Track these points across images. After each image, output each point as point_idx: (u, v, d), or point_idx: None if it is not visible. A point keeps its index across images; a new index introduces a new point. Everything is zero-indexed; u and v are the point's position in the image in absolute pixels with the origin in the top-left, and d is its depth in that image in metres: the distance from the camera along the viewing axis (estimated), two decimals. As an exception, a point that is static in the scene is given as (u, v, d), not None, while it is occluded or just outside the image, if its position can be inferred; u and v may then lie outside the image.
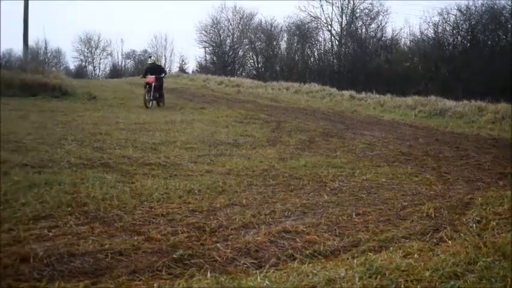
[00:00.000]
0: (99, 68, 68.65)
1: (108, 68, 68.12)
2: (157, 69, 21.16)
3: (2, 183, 6.36)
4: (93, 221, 5.12)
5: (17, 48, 42.42)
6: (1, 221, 4.90)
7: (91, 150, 9.42)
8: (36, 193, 6.00)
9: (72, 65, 67.78)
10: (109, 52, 68.34)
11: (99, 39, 67.70)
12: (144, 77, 20.81)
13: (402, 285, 3.65)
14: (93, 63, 68.48)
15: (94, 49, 68.09)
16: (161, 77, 20.73)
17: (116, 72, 61.57)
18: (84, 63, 68.34)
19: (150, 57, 22.60)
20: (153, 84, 19.95)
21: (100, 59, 68.58)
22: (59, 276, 3.78)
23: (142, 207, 5.82)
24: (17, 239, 4.46)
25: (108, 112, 16.73)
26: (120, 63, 67.96)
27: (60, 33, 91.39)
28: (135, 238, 4.72)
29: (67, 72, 47.24)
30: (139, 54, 66.57)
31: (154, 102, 20.34)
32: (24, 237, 4.50)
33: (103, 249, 4.36)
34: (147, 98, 19.78)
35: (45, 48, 60.38)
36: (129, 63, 67.95)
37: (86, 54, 68.04)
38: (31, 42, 31.54)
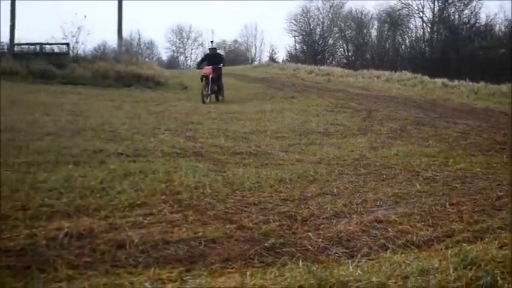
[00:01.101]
0: (191, 58, 69.90)
1: (199, 58, 69.17)
2: (215, 58, 18.58)
3: (99, 171, 6.56)
4: (187, 209, 5.18)
5: (112, 41, 43.73)
6: (98, 208, 5.06)
7: (183, 139, 9.57)
8: (131, 181, 6.14)
9: (164, 55, 69.37)
10: (200, 42, 69.39)
11: (190, 30, 68.91)
12: (200, 68, 18.73)
13: (498, 277, 3.47)
14: (184, 53, 69.87)
15: (186, 40, 69.39)
16: (219, 67, 18.17)
17: (205, 62, 62.36)
18: (176, 54, 69.83)
19: (211, 41, 20.10)
20: (210, 76, 17.49)
21: (191, 50, 69.83)
22: (153, 262, 3.84)
23: (235, 195, 5.84)
24: (113, 226, 4.57)
25: (200, 102, 16.97)
26: (210, 53, 68.79)
27: (153, 24, 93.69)
28: (228, 226, 4.74)
29: (159, 63, 48.29)
30: (230, 44, 67.24)
31: (213, 96, 18.15)
32: (120, 225, 4.61)
33: (196, 236, 4.40)
34: (204, 92, 17.25)
35: (139, 39, 62.13)
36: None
37: (177, 45, 69.50)
38: (125, 34, 32.37)
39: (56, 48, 25.24)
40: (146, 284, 3.37)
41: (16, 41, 24.46)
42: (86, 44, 27.63)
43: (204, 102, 16.76)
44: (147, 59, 45.90)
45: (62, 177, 6.12)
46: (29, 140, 8.52)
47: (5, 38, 24.45)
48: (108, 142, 8.86)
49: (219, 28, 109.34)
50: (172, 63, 63.14)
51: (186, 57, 69.90)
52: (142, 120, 12.09)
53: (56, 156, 7.44)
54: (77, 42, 24.52)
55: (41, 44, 24.32)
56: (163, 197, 5.56)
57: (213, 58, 18.42)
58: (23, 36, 27.64)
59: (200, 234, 4.46)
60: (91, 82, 20.58)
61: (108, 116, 12.27)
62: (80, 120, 11.20)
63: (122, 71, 22.34)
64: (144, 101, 17.07)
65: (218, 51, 19.75)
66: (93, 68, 21.75)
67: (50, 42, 25.18)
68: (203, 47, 68.75)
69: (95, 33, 41.20)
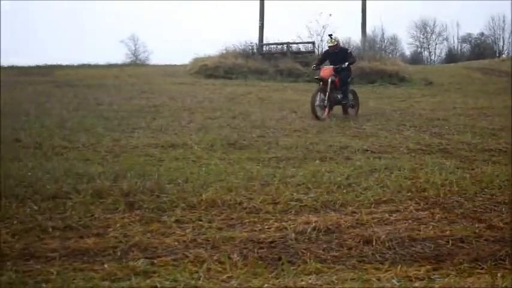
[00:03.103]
0: (435, 53, 67.83)
1: (443, 53, 66.86)
2: (338, 56, 12.82)
3: (345, 167, 6.69)
4: (433, 207, 5.05)
5: (356, 37, 44.18)
6: (345, 203, 5.16)
7: (429, 135, 9.37)
8: (376, 178, 6.16)
9: (407, 51, 68.20)
10: (444, 37, 66.99)
11: (434, 24, 66.84)
12: (317, 68, 13.05)
13: None
14: (428, 48, 67.98)
15: (429, 34, 67.48)
16: (344, 68, 12.58)
17: (451, 57, 60.02)
18: (419, 49, 68.27)
19: (330, 35, 13.33)
20: (329, 80, 12.25)
21: (435, 44, 67.74)
22: (400, 259, 3.81)
23: (483, 194, 5.55)
24: (360, 222, 4.62)
25: (445, 97, 16.42)
26: (455, 47, 66.12)
27: (396, 20, 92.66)
28: (477, 225, 4.53)
29: (403, 58, 47.66)
30: (476, 38, 63.91)
31: (327, 109, 12.30)
32: (366, 221, 4.65)
33: (444, 235, 4.27)
34: (317, 102, 12.07)
35: (382, 35, 61.84)
36: (465, 47, 65.66)
37: (421, 40, 67.86)
38: (368, 31, 32.52)
39: (301, 47, 26.17)
40: (393, 280, 3.36)
41: (264, 41, 25.80)
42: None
43: (317, 116, 11.74)
44: (390, 55, 45.65)
45: (309, 172, 6.35)
46: (278, 136, 9.01)
47: (254, 38, 25.92)
48: (353, 138, 9.00)
49: (464, 21, 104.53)
50: (415, 59, 61.83)
51: (430, 52, 67.96)
52: (386, 116, 12.07)
53: (303, 152, 7.76)
54: (321, 40, 25.19)
55: (287, 44, 25.42)
56: (409, 194, 5.49)
57: (335, 56, 12.92)
58: (270, 36, 29.03)
59: (447, 232, 4.32)
60: (335, 79, 21.04)
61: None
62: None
63: (365, 67, 22.46)
64: (388, 97, 17.02)
65: (342, 46, 14.36)
66: (337, 66, 22.18)
67: (296, 41, 26.16)
68: (447, 41, 66.35)
69: (339, 30, 42.02)
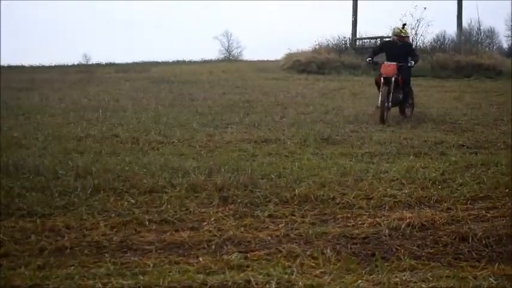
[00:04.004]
0: (533, 45, 64.75)
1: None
2: (401, 50, 10.84)
3: (440, 162, 6.58)
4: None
5: (451, 30, 42.89)
6: (441, 200, 5.09)
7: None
8: (472, 173, 6.03)
9: (505, 43, 65.47)
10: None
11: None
12: (373, 62, 11.21)
13: None
14: (528, 39, 65.02)
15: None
16: (409, 66, 10.73)
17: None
18: (517, 42, 65.43)
19: (404, 25, 11.74)
20: (392, 78, 10.48)
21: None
22: (497, 258, 3.74)
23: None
24: (456, 218, 4.56)
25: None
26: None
27: (493, 11, 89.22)
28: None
29: (500, 51, 45.84)
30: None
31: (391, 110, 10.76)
32: (462, 217, 4.57)
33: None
34: (385, 104, 10.37)
35: (478, 28, 59.71)
36: None
37: (519, 31, 65.00)
38: (464, 23, 31.47)
39: (395, 41, 25.55)
40: (490, 278, 3.31)
41: (357, 35, 25.51)
42: (425, 36, 27.36)
43: (382, 120, 10.20)
44: (487, 48, 44.01)
45: (403, 167, 6.29)
46: (371, 131, 8.95)
47: (347, 33, 25.65)
48: (449, 133, 8.82)
49: None
50: (514, 51, 59.29)
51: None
52: (483, 110, 11.72)
53: (397, 147, 7.68)
54: (416, 34, 24.64)
55: (381, 38, 25.02)
56: (507, 190, 5.34)
57: (397, 50, 10.86)
58: (363, 30, 28.53)
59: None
60: (430, 73, 20.51)
61: (448, 107, 12.18)
62: (420, 112, 11.33)
63: (461, 61, 21.80)
64: (485, 91, 16.45)
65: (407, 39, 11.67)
66: (432, 59, 21.66)
67: (389, 35, 25.65)
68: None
69: (434, 24, 40.85)
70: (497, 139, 8.25)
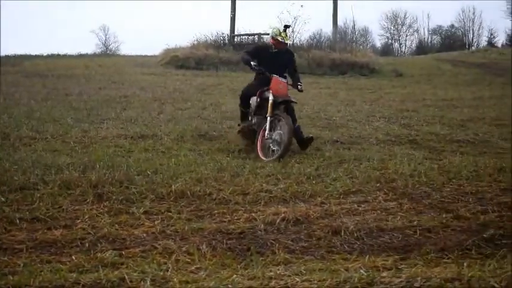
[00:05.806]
0: (405, 45, 68.18)
1: (414, 45, 67.30)
2: (281, 59, 7.93)
3: (315, 158, 6.72)
4: (401, 197, 5.10)
5: (327, 29, 44.20)
6: (315, 194, 5.18)
7: (398, 126, 9.44)
8: (345, 168, 6.20)
9: (378, 42, 68.45)
10: (415, 29, 67.41)
11: (405, 16, 67.16)
12: (260, 70, 7.72)
13: None
14: (399, 40, 68.34)
15: (400, 26, 67.84)
16: (299, 90, 7.93)
17: (422, 49, 60.39)
18: (390, 41, 68.61)
19: (287, 27, 8.06)
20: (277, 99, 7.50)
21: (406, 36, 68.12)
22: (368, 250, 3.84)
23: (451, 184, 5.62)
24: (329, 212, 4.64)
25: (415, 89, 16.56)
26: (426, 39, 66.59)
27: (367, 11, 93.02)
28: (444, 216, 4.57)
29: (374, 50, 47.85)
30: (446, 30, 64.42)
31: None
32: (335, 211, 4.66)
33: (411, 225, 4.32)
34: (265, 136, 7.26)
35: (353, 27, 62.02)
36: (436, 39, 66.14)
37: (392, 31, 68.17)
38: (339, 22, 32.59)
39: (272, 38, 25.85)
40: (361, 270, 3.38)
41: (236, 31, 25.69)
42: (302, 33, 28.06)
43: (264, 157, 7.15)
44: (361, 47, 45.80)
45: (279, 164, 6.35)
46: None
47: (226, 29, 25.82)
48: (323, 129, 9.04)
49: (434, 13, 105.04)
50: (386, 50, 62.07)
51: (400, 43, 68.31)
52: (356, 107, 12.14)
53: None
54: (293, 31, 25.14)
55: (259, 34, 25.33)
56: (378, 184, 5.53)
57: (276, 57, 7.86)
58: (241, 26, 28.84)
59: (415, 222, 4.37)
60: (306, 70, 21.05)
61: (323, 104, 12.50)
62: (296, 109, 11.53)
63: (336, 58, 22.56)
64: (359, 88, 17.09)
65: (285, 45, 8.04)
66: (308, 57, 22.21)
67: (267, 32, 26.03)
68: (418, 33, 66.78)
69: (311, 22, 41.97)
70: (369, 135, 8.56)
